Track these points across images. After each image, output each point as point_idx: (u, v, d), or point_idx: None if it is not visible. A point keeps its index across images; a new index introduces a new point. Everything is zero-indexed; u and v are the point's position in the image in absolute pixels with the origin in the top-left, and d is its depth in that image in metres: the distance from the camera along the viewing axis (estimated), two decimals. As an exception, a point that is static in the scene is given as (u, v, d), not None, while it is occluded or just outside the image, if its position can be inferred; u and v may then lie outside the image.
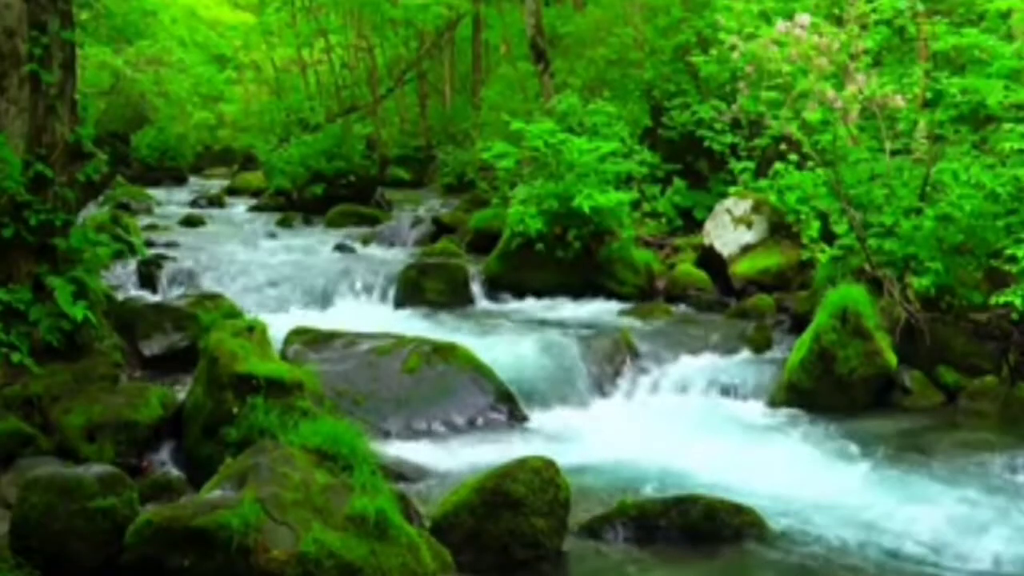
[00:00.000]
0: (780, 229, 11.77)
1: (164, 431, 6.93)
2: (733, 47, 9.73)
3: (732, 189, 12.77)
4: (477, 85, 24.37)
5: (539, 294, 11.98)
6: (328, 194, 20.29)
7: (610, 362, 9.17)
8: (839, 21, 10.83)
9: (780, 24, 9.31)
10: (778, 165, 11.35)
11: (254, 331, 7.11)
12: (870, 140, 10.49)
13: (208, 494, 5.15)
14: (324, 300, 11.64)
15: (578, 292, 11.92)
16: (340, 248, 14.64)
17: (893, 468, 7.06)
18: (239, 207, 21.46)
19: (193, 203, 21.29)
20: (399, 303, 11.65)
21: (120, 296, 9.90)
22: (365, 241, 15.65)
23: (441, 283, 11.75)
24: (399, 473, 6.69)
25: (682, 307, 11.47)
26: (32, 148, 7.52)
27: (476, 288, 12.08)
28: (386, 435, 7.53)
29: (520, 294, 12.03)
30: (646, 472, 6.89)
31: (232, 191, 24.56)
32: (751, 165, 13.11)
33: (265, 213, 20.02)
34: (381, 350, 8.44)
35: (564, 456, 6.19)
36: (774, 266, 11.60)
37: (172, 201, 21.47)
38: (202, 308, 8.84)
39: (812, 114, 9.54)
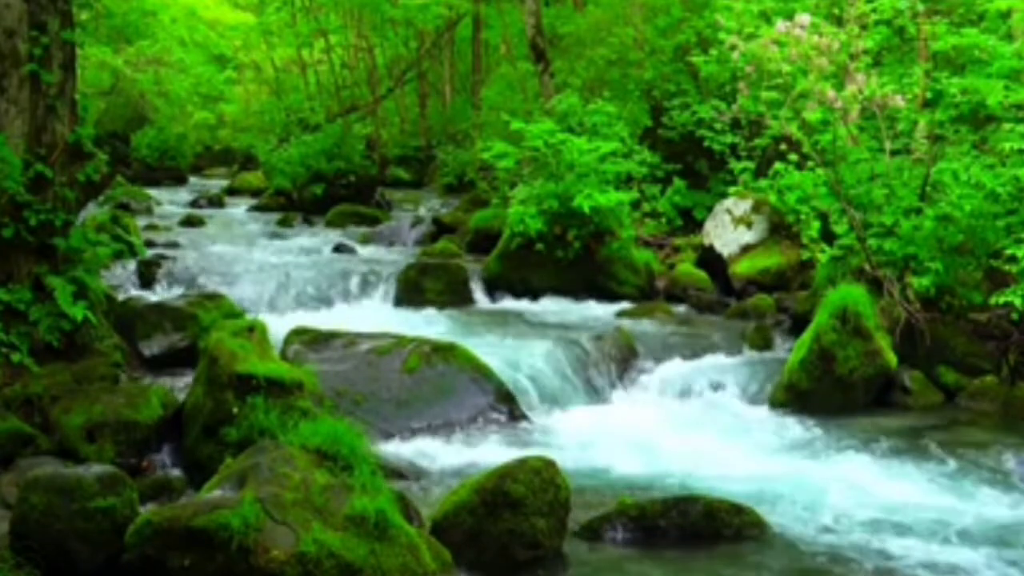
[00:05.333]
0: (780, 229, 11.77)
1: (164, 431, 6.93)
2: (733, 47, 9.73)
3: (732, 189, 12.77)
4: (477, 85, 24.33)
5: (539, 294, 11.98)
6: (328, 194, 20.28)
7: (610, 362, 9.17)
8: (839, 21, 10.85)
9: (780, 24, 9.32)
10: (778, 165, 11.36)
11: (254, 331, 7.11)
12: (870, 140, 10.50)
13: (208, 494, 5.15)
14: (324, 300, 11.63)
15: (578, 292, 11.92)
16: (340, 248, 14.63)
17: (893, 468, 7.06)
18: (239, 207, 21.43)
19: (193, 203, 21.26)
20: (399, 303, 11.65)
21: (120, 296, 9.89)
22: (365, 241, 15.64)
23: (441, 283, 11.75)
24: (399, 473, 6.69)
25: (682, 307, 11.47)
26: (32, 148, 7.53)
27: (476, 288, 12.08)
28: (386, 435, 7.52)
29: (520, 294, 12.03)
30: (646, 472, 6.90)
31: (232, 191, 24.52)
32: (751, 165, 13.11)
33: (265, 213, 19.99)
34: (381, 350, 8.44)
35: (564, 456, 6.19)
36: (774, 266, 11.60)
37: (172, 201, 21.44)
38: (202, 308, 8.84)
39: (812, 114, 9.55)
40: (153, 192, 21.85)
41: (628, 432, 7.85)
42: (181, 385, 7.68)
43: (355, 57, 27.67)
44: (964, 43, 10.43)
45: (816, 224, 10.32)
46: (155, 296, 10.75)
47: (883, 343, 8.66)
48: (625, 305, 11.46)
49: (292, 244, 15.28)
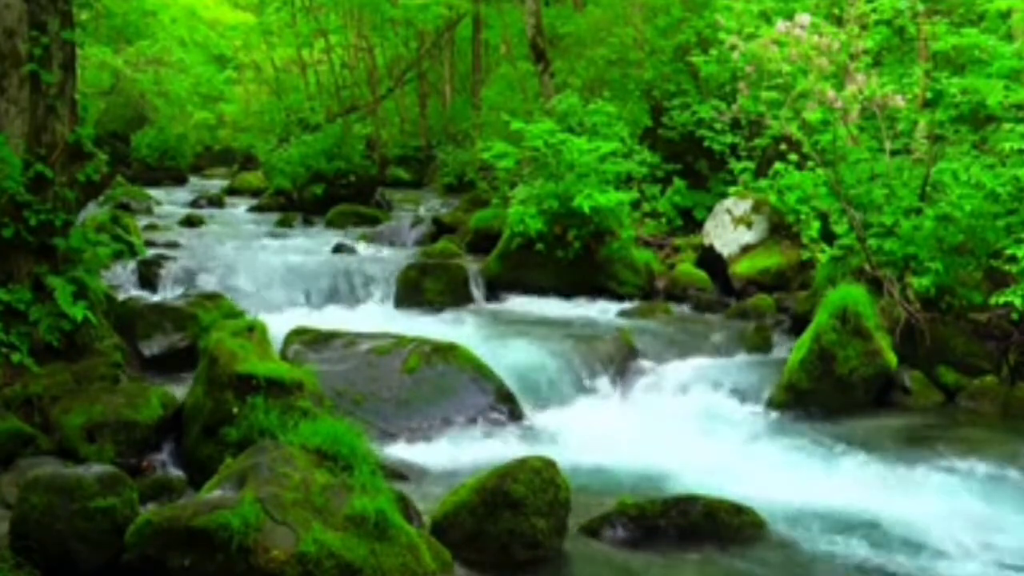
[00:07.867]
0: (780, 229, 11.77)
1: (164, 431, 6.93)
2: (733, 47, 9.73)
3: (732, 189, 12.78)
4: (477, 85, 24.35)
5: (539, 294, 11.98)
6: (328, 194, 20.29)
7: (610, 362, 9.17)
8: (839, 21, 10.85)
9: (780, 24, 9.32)
10: (778, 165, 11.36)
11: (254, 331, 7.11)
12: (870, 140, 10.50)
13: (208, 494, 5.15)
14: (324, 300, 11.64)
15: (578, 292, 11.93)
16: (340, 248, 14.63)
17: (893, 468, 7.06)
18: (239, 207, 21.44)
19: (193, 203, 21.26)
20: (399, 303, 11.65)
21: (120, 296, 9.89)
22: (365, 241, 15.64)
23: (441, 283, 11.75)
24: (399, 473, 6.69)
25: (682, 307, 11.48)
26: (32, 148, 7.52)
27: (476, 288, 12.08)
28: (386, 435, 7.52)
29: (520, 294, 12.04)
30: (646, 472, 6.89)
31: (232, 191, 24.55)
32: (751, 165, 13.11)
33: (265, 213, 20.00)
34: (381, 350, 8.44)
35: (564, 456, 6.19)
36: (774, 266, 11.60)
37: (172, 201, 21.44)
38: (202, 308, 8.84)
39: (812, 114, 9.55)
40: (153, 192, 21.86)
41: (628, 432, 7.85)
42: (181, 385, 7.68)
43: (355, 57, 27.68)
44: (964, 43, 10.44)
45: (816, 224, 10.32)
46: (155, 296, 10.75)
47: (883, 343, 8.65)
48: (625, 305, 11.46)
49: (292, 244, 15.27)
